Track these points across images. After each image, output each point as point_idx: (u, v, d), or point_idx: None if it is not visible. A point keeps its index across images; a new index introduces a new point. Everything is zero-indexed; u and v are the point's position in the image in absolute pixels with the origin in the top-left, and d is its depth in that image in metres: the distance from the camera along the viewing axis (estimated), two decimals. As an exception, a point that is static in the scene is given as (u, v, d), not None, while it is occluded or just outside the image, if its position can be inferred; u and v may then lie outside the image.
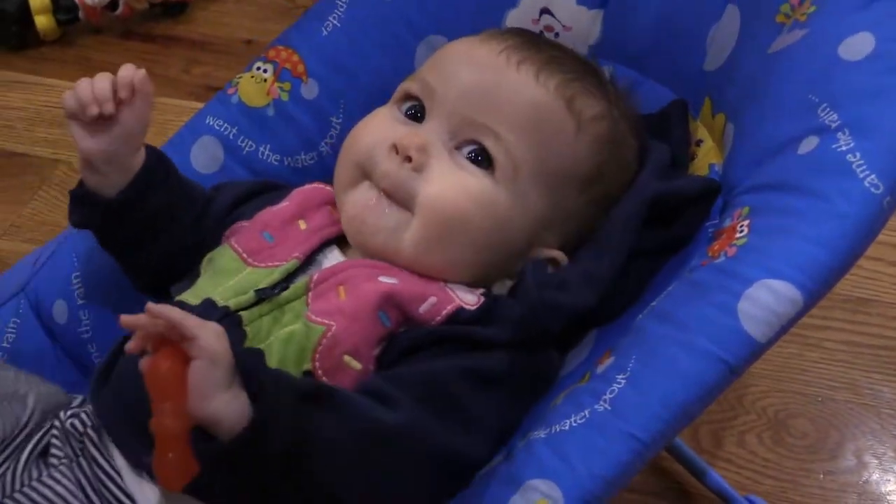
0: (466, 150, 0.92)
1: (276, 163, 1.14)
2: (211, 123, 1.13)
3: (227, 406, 0.74)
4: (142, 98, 0.96)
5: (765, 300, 0.80)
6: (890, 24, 0.87)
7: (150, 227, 1.00)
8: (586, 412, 0.82)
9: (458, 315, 0.88)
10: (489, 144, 0.91)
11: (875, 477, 1.26)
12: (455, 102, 0.92)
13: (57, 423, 0.93)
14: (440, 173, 0.91)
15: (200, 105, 1.70)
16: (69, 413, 0.94)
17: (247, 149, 1.13)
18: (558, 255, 0.95)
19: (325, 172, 1.12)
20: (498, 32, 0.99)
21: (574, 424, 0.82)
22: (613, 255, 0.91)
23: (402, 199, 0.91)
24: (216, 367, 0.73)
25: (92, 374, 1.03)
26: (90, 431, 0.91)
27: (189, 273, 0.99)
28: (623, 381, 0.82)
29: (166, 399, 0.73)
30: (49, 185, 1.61)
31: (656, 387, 0.80)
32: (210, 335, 0.74)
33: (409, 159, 0.90)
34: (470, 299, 0.90)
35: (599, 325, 0.95)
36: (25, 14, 1.84)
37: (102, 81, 0.94)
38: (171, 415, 0.73)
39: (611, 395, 0.81)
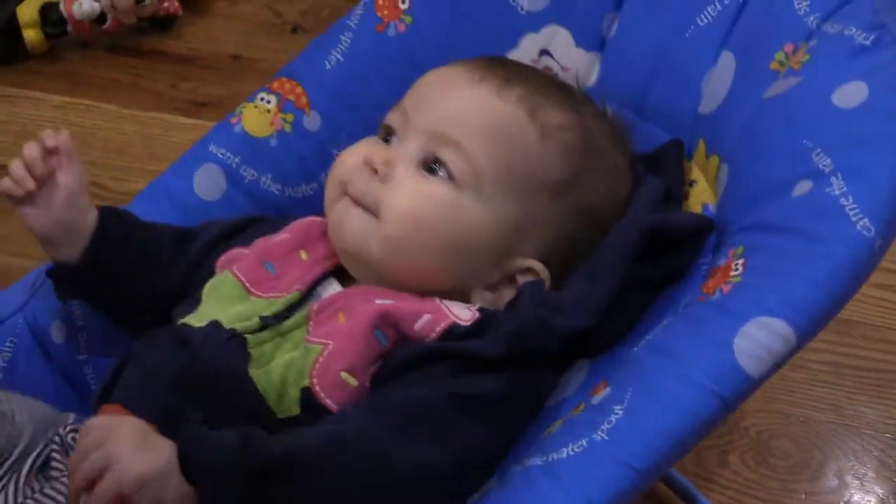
0: (428, 162, 0.96)
1: (277, 192, 1.16)
2: (214, 151, 1.15)
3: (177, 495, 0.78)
4: (68, 157, 0.99)
5: (759, 337, 0.83)
6: (882, 74, 0.90)
7: (125, 277, 1.02)
8: (584, 441, 0.84)
9: (452, 331, 0.90)
10: (449, 155, 0.95)
11: (856, 498, 1.28)
12: (422, 120, 0.97)
13: (57, 438, 0.96)
14: (403, 182, 0.95)
15: (187, 120, 1.74)
16: (69, 428, 0.96)
17: (249, 178, 1.15)
18: (535, 265, 0.97)
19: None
20: (470, 58, 1.03)
21: (571, 453, 0.84)
22: (607, 281, 0.93)
23: (368, 205, 0.95)
24: (147, 485, 0.77)
25: (90, 393, 1.06)
26: None
27: (184, 301, 1.01)
28: (620, 412, 0.84)
29: None
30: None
31: (653, 418, 0.82)
32: (123, 474, 0.76)
33: (375, 171, 0.95)
34: (464, 315, 0.92)
35: (592, 356, 0.97)
36: (13, 27, 1.84)
37: (29, 151, 0.97)
38: None
39: (608, 426, 0.83)
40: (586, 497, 0.81)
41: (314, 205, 1.14)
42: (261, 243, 1.01)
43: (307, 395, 0.88)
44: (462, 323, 0.91)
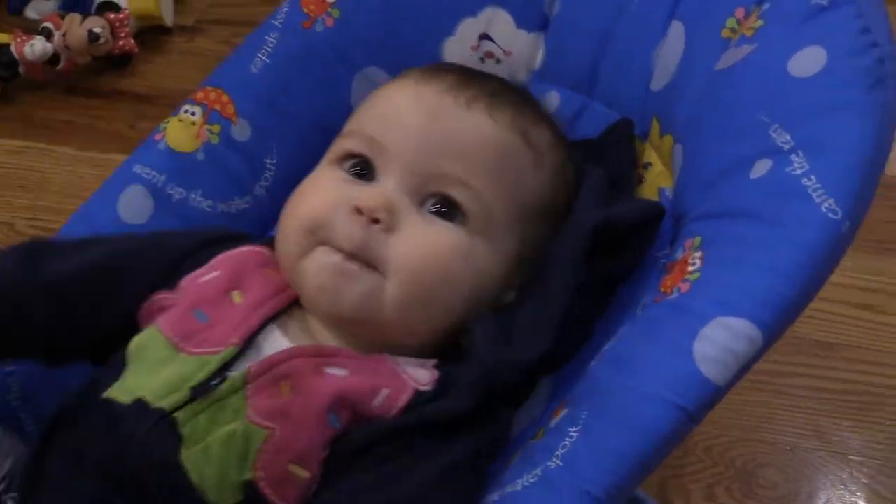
0: (431, 202, 0.86)
1: (208, 209, 1.06)
2: (138, 171, 1.05)
3: None
4: None
5: (721, 339, 0.75)
6: (840, 36, 0.83)
7: (38, 337, 0.90)
8: (538, 470, 0.76)
9: (417, 401, 0.81)
10: (458, 195, 0.85)
11: (850, 528, 1.24)
12: (411, 155, 0.85)
13: None
14: (413, 233, 0.84)
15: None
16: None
17: (177, 196, 1.05)
18: (512, 295, 0.89)
19: (261, 216, 1.08)
20: (431, 69, 0.92)
21: (526, 484, 0.76)
22: (559, 296, 0.85)
23: (369, 261, 0.84)
24: None
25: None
26: None
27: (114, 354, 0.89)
28: (575, 435, 0.77)
29: None
30: (-12, 245, 1.55)
31: (610, 439, 0.75)
32: None
33: (375, 221, 0.83)
34: (424, 378, 0.83)
35: (551, 372, 0.90)
36: (-36, 71, 1.79)
37: None
38: None
39: (563, 451, 0.76)
40: (543, 532, 0.74)
41: (250, 220, 1.07)
42: (189, 286, 0.90)
43: (252, 489, 0.78)
44: (424, 388, 0.82)
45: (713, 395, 0.75)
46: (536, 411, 0.89)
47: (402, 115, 0.88)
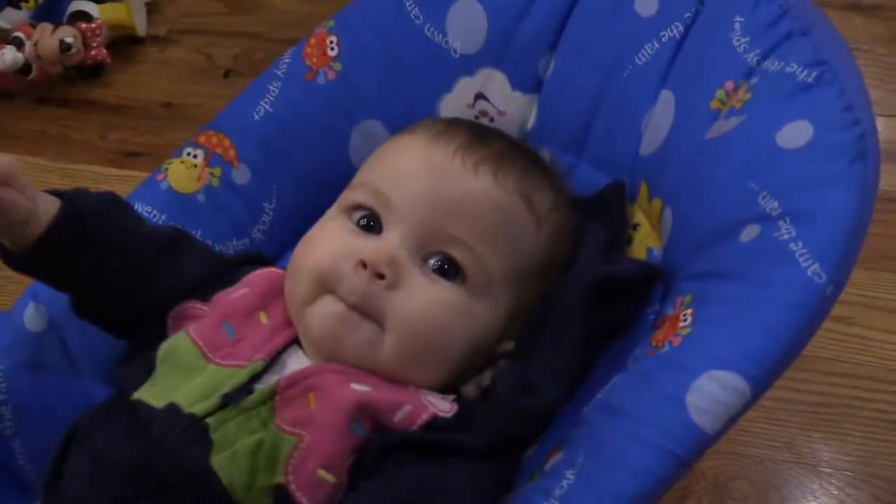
0: (433, 261, 0.90)
1: (206, 250, 1.10)
2: (140, 210, 1.09)
3: None
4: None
5: (713, 392, 0.80)
6: (826, 112, 0.88)
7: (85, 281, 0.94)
8: (536, 511, 0.80)
9: (435, 423, 0.86)
10: (459, 256, 0.90)
11: (820, 540, 1.25)
12: (417, 214, 0.90)
13: None
14: (414, 290, 0.88)
15: (118, 171, 1.69)
16: None
17: (177, 236, 1.09)
18: (511, 345, 0.94)
19: (258, 259, 1.10)
20: (442, 128, 0.96)
21: (526, 523, 0.80)
22: (571, 346, 0.90)
23: (371, 313, 0.88)
24: None
25: (20, 472, 1.00)
26: None
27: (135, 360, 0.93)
28: (572, 477, 0.80)
29: None
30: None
31: (606, 482, 0.79)
32: None
33: (380, 276, 0.88)
34: (444, 406, 0.88)
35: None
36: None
37: None
38: None
39: (560, 492, 0.80)
40: (542, 570, 0.78)
41: (247, 261, 1.10)
42: (221, 300, 0.94)
43: (282, 492, 0.82)
44: (443, 415, 0.87)
45: (704, 442, 0.80)
46: (530, 453, 0.92)
47: (410, 173, 0.93)
